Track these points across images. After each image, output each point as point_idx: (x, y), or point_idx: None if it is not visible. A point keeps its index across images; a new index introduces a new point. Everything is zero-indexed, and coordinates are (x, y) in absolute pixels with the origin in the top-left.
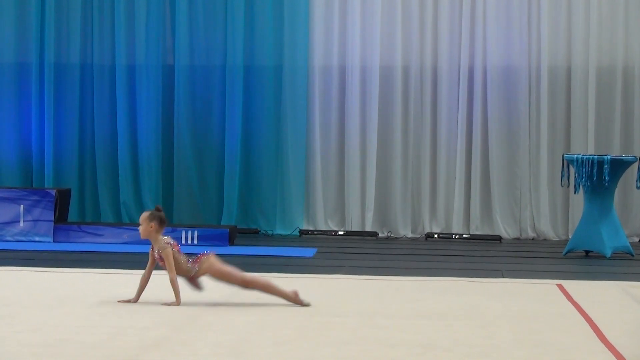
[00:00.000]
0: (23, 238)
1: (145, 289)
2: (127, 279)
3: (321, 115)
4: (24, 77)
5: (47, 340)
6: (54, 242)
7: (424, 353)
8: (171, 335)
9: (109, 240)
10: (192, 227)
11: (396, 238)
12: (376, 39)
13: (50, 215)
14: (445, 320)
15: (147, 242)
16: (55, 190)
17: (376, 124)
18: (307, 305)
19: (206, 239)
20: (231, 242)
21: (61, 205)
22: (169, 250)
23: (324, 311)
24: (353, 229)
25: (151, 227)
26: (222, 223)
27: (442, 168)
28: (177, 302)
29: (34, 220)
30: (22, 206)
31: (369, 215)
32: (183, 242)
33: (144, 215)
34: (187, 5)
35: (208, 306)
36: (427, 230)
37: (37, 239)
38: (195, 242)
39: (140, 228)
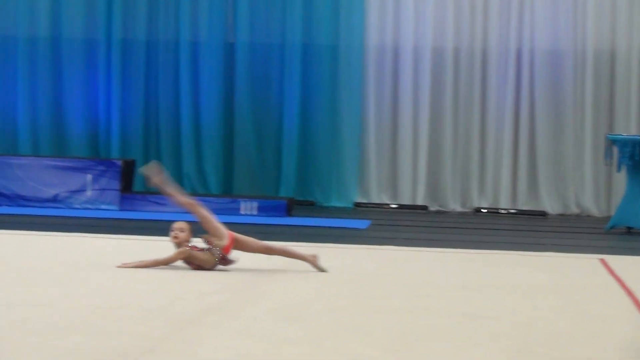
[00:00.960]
0: (90, 206)
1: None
2: None
3: (375, 92)
4: (92, 53)
5: (111, 303)
6: (119, 210)
7: (470, 322)
8: (230, 300)
9: (172, 210)
10: (252, 198)
11: (446, 212)
12: (429, 21)
13: (116, 184)
14: (492, 291)
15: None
16: (121, 161)
17: (428, 101)
18: (324, 271)
19: (265, 210)
20: (289, 213)
21: (127, 175)
22: (184, 249)
23: (376, 281)
24: (405, 203)
25: (185, 242)
26: (279, 195)
27: (491, 145)
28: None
29: (100, 189)
30: (89, 176)
31: (420, 190)
32: (242, 212)
33: (184, 225)
34: None
35: (266, 273)
36: (476, 204)
37: (103, 207)
38: (255, 212)
39: (183, 235)
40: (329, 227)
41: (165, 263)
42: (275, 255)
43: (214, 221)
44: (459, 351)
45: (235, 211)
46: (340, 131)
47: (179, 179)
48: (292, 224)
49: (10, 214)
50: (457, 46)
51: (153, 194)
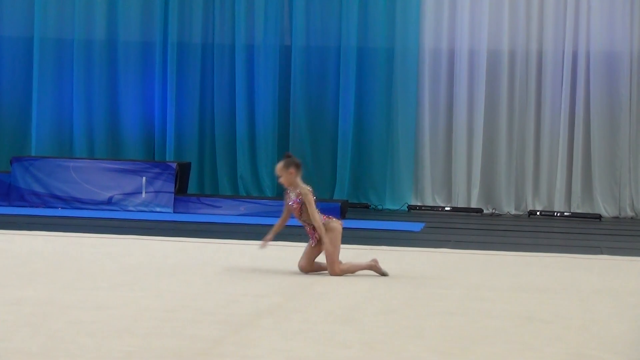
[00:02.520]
0: (145, 208)
1: (275, 234)
2: (242, 249)
3: (430, 95)
4: (148, 56)
5: (166, 305)
6: (174, 212)
7: (525, 325)
8: (284, 302)
9: (226, 212)
10: None
11: (500, 215)
12: (484, 24)
13: (171, 187)
14: (546, 294)
15: (262, 214)
16: (176, 164)
17: (483, 104)
18: (386, 274)
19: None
20: (343, 215)
21: (181, 177)
22: (311, 196)
23: (430, 283)
24: (459, 205)
25: (291, 173)
26: (334, 197)
27: (545, 148)
28: (325, 244)
29: (155, 192)
30: (144, 178)
31: (475, 192)
32: None
33: (280, 165)
34: None
35: (320, 276)
36: (530, 207)
37: (158, 209)
38: None
39: (282, 179)
40: (383, 230)
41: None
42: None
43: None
44: (513, 354)
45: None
46: (395, 134)
47: (234, 180)
48: (346, 226)
49: (65, 217)
50: (512, 49)
51: (207, 196)
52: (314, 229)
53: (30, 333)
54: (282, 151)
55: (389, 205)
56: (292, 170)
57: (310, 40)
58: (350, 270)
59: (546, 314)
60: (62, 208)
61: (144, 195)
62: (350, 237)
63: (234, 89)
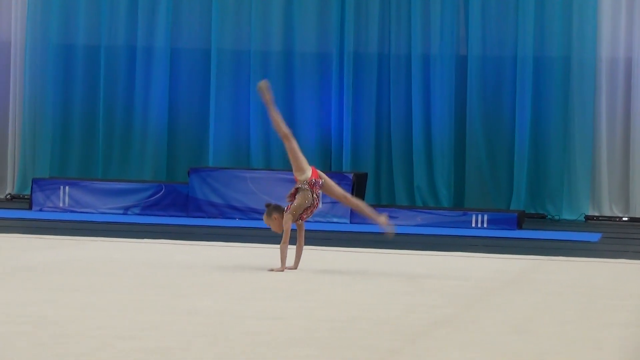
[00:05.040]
0: (322, 219)
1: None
2: (418, 260)
3: (607, 105)
4: (324, 67)
5: (340, 316)
6: (350, 223)
7: None
8: (459, 313)
9: (403, 223)
10: (482, 211)
11: None
12: None
13: None
14: None
15: (439, 225)
16: (352, 174)
17: None
18: (392, 233)
19: (495, 223)
20: (519, 226)
21: (358, 188)
22: (288, 216)
23: (607, 294)
24: (637, 215)
25: (275, 219)
26: (511, 208)
27: None
28: (282, 268)
29: (332, 202)
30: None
31: None
32: (473, 225)
33: (264, 218)
34: None
35: (494, 286)
36: None
37: (334, 220)
38: (485, 225)
39: (272, 228)
40: (559, 240)
41: (281, 233)
42: (348, 205)
43: (300, 156)
44: None
45: (466, 224)
46: (572, 144)
47: (410, 191)
48: (522, 237)
49: (242, 227)
50: None
51: (384, 206)
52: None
53: (207, 343)
54: (459, 161)
55: (566, 216)
56: (275, 215)
57: (486, 49)
58: (357, 208)
59: None
60: (239, 219)
61: (320, 205)
62: (527, 247)
63: (410, 99)
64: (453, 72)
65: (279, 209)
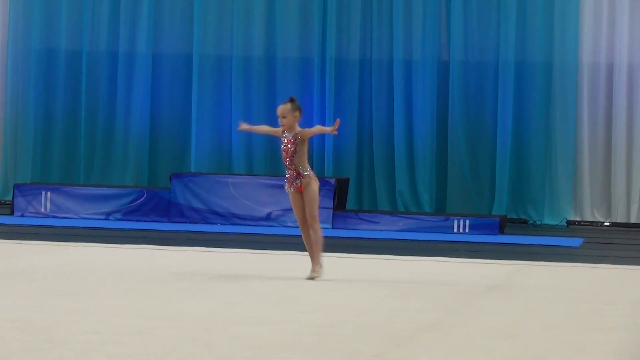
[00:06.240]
0: None
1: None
2: (400, 265)
3: (589, 110)
4: (306, 72)
5: (326, 321)
6: (332, 228)
7: None
8: (445, 317)
9: (385, 228)
10: (464, 216)
11: None
12: None
13: (329, 202)
14: None
15: (421, 230)
16: (334, 180)
17: None
18: (311, 278)
19: (477, 228)
20: (501, 231)
21: (340, 193)
22: (315, 186)
23: (590, 298)
24: (619, 220)
25: (296, 117)
26: (492, 213)
27: None
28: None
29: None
30: None
31: (634, 207)
32: (455, 230)
33: (287, 107)
34: (461, 1)
35: (477, 291)
36: None
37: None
38: (467, 230)
39: (286, 120)
40: (541, 245)
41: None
42: (304, 233)
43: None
44: None
45: (448, 229)
46: (554, 149)
47: (392, 196)
48: (504, 242)
49: (224, 232)
50: None
51: (366, 212)
52: (297, 174)
53: (192, 348)
54: (441, 166)
55: (547, 221)
56: (297, 114)
57: (468, 55)
58: (316, 241)
59: None
60: (221, 224)
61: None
62: (509, 252)
63: (392, 104)
64: (435, 77)
65: (301, 113)
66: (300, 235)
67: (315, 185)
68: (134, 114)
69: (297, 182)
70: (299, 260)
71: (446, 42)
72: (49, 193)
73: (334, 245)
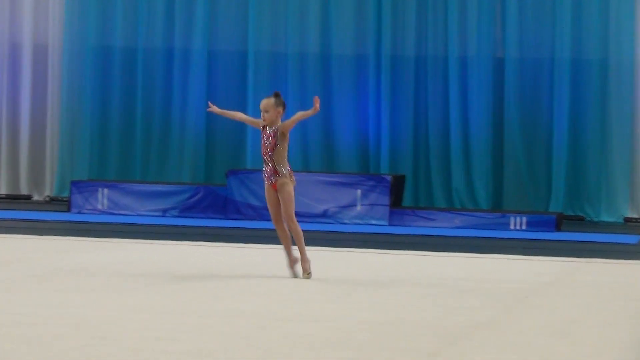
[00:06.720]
0: (360, 221)
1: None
2: (459, 262)
3: None
4: (362, 69)
5: (381, 318)
6: (389, 225)
7: None
8: (500, 315)
9: (441, 225)
10: (521, 213)
11: None
12: None
13: (386, 200)
14: None
15: (477, 227)
16: (391, 176)
17: None
18: (303, 278)
19: (534, 225)
20: (558, 228)
21: (396, 190)
22: (290, 186)
23: None
24: None
25: (279, 113)
26: (549, 210)
27: None
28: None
29: (370, 205)
30: (359, 191)
31: None
32: (511, 227)
33: (270, 101)
34: None
35: (533, 288)
36: None
37: (373, 222)
38: (524, 227)
39: (268, 115)
40: (598, 242)
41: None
42: (280, 231)
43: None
44: None
45: (504, 226)
46: (610, 146)
47: (448, 193)
48: (560, 239)
49: None
50: None
51: (422, 208)
52: (274, 171)
53: (245, 345)
54: (497, 163)
55: (604, 218)
56: (280, 109)
57: (523, 52)
58: (298, 238)
59: None
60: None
61: (359, 208)
62: (566, 249)
63: (447, 101)
64: (490, 74)
65: (284, 109)
66: (359, 233)
67: (290, 186)
68: (190, 110)
69: (273, 179)
70: (354, 257)
71: (501, 38)
72: (105, 190)
73: (390, 242)
